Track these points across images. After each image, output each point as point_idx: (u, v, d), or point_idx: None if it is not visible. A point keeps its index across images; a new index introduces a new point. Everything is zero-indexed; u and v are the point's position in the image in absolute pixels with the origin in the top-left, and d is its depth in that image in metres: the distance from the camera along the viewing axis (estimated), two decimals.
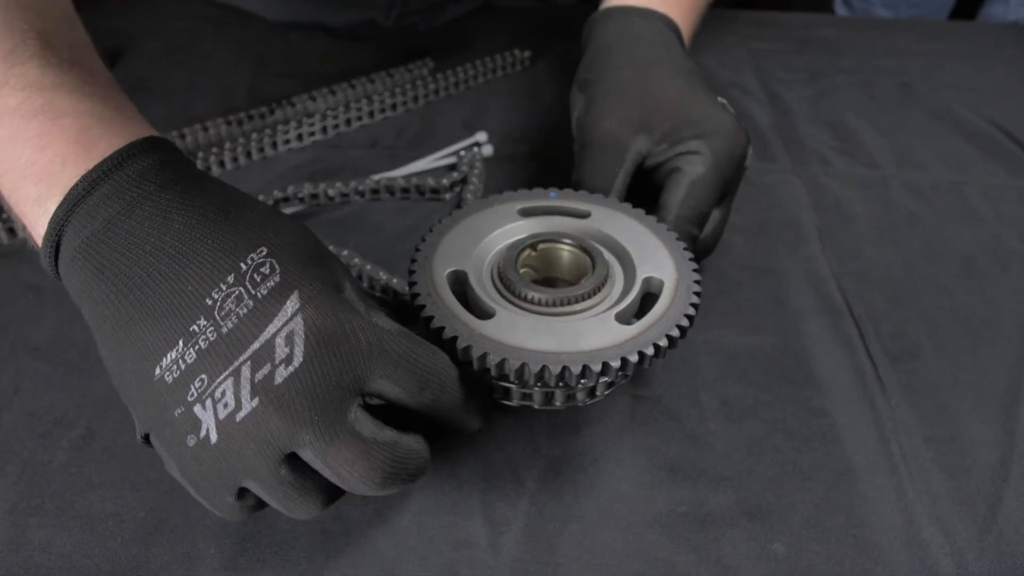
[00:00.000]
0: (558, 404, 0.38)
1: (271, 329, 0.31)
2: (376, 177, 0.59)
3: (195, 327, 0.31)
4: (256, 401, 0.29)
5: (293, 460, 0.30)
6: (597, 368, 0.34)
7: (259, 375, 0.30)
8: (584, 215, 0.43)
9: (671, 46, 0.52)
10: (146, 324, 0.31)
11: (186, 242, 0.32)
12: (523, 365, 0.34)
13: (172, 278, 0.31)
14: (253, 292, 0.31)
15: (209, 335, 0.30)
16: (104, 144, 0.33)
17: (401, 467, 0.32)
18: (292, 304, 0.31)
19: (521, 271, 0.40)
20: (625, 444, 0.42)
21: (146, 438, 0.32)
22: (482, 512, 0.39)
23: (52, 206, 0.33)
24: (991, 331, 0.50)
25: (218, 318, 0.31)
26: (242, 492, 0.31)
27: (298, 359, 0.30)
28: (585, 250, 0.41)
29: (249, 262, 0.32)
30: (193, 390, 0.30)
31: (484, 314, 0.37)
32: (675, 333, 0.36)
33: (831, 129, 0.69)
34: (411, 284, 0.38)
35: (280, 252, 0.32)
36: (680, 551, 0.38)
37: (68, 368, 0.45)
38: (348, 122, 0.66)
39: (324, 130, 0.65)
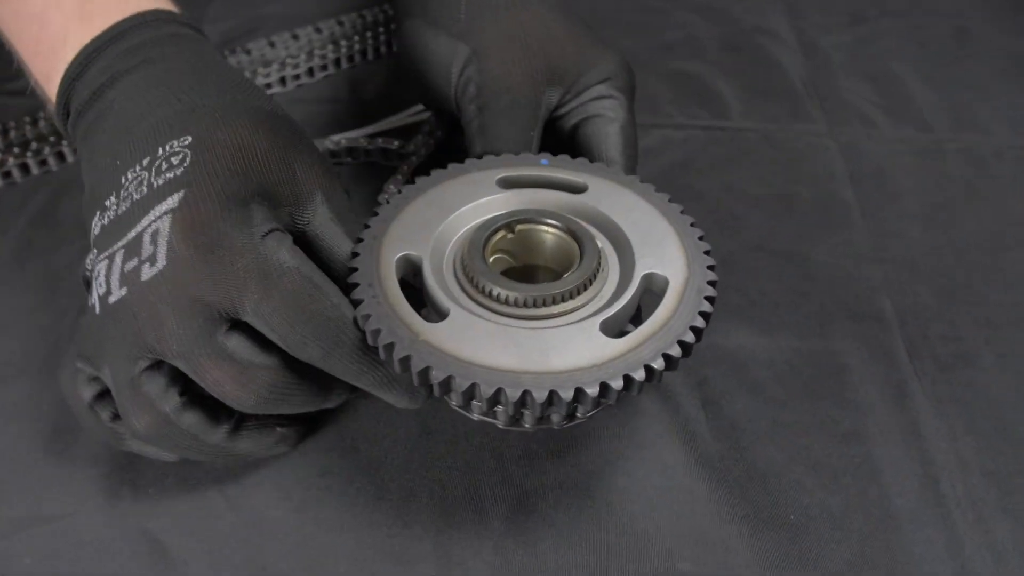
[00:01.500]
0: (527, 426, 0.32)
1: (144, 222, 0.30)
2: (336, 138, 0.51)
3: (108, 202, 0.32)
4: (124, 291, 0.29)
5: (160, 367, 0.29)
6: (568, 396, 0.28)
7: (128, 266, 0.29)
8: (579, 189, 0.36)
9: None
10: (90, 191, 0.33)
11: (134, 118, 0.33)
12: (473, 386, 0.28)
13: (113, 151, 0.32)
14: (151, 180, 0.30)
15: (111, 214, 0.31)
16: (101, 20, 0.34)
17: (282, 396, 0.30)
18: (171, 202, 0.30)
19: (492, 258, 0.33)
20: (613, 477, 0.35)
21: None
22: (435, 560, 0.33)
23: (57, 81, 0.35)
24: None
25: (121, 198, 0.31)
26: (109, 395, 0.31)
27: (161, 261, 0.29)
28: (573, 234, 0.33)
29: (167, 148, 0.31)
30: (89, 261, 0.32)
31: (436, 314, 0.31)
32: (675, 352, 0.29)
33: (874, 83, 0.60)
34: (351, 271, 0.31)
35: (204, 145, 0.31)
36: None
37: None
38: (311, 72, 0.57)
39: (283, 81, 0.57)
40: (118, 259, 0.30)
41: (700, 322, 0.30)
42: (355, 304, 0.30)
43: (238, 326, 0.29)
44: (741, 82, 0.59)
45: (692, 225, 0.34)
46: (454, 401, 0.31)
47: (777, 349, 0.40)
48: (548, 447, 0.36)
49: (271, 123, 0.33)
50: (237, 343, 0.29)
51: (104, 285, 0.30)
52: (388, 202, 0.35)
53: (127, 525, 0.33)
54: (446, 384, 0.28)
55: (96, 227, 0.32)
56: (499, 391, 0.28)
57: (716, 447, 0.36)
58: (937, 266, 0.45)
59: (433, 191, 0.35)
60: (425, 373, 0.28)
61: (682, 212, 0.35)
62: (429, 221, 0.34)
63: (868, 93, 0.58)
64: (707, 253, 0.33)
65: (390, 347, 0.29)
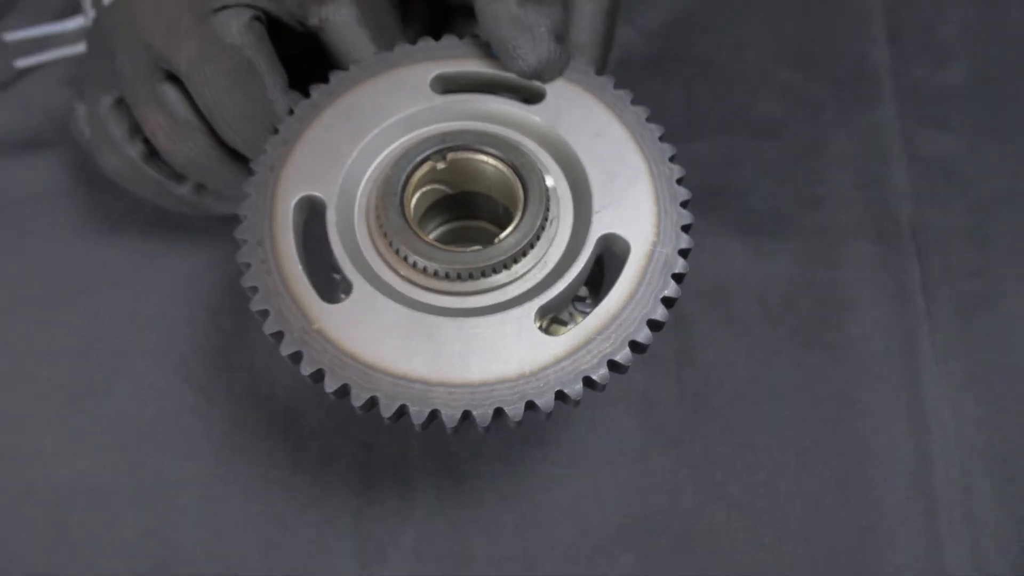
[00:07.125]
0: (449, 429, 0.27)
1: None
2: None
3: None
4: (92, 14, 0.35)
5: (121, 106, 0.31)
6: (485, 419, 0.24)
7: None
8: (536, 95, 0.29)
9: None
10: None
11: None
12: (372, 399, 0.24)
13: None
14: None
15: None
16: None
17: (209, 163, 0.30)
18: None
19: (422, 191, 0.28)
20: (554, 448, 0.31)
21: None
22: (354, 540, 0.30)
23: None
24: None
25: None
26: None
27: None
28: (516, 171, 0.26)
29: None
30: None
31: (344, 281, 0.26)
32: (623, 358, 0.24)
33: None
34: (241, 217, 0.26)
35: None
36: None
37: None
38: None
39: None
40: None
41: (661, 313, 0.24)
42: (244, 269, 0.26)
43: (178, 84, 0.30)
44: None
45: (672, 160, 0.27)
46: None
47: (773, 274, 0.34)
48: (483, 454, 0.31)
49: None
50: (174, 96, 0.30)
51: (88, 8, 0.35)
52: (293, 113, 0.28)
53: None
54: (343, 392, 0.24)
55: None
56: (403, 408, 0.24)
57: (690, 406, 0.31)
58: (983, 165, 0.36)
59: (349, 96, 0.28)
60: (319, 376, 0.24)
61: (661, 139, 0.27)
62: (340, 144, 0.27)
63: None
64: (684, 204, 0.26)
65: (278, 336, 0.24)
